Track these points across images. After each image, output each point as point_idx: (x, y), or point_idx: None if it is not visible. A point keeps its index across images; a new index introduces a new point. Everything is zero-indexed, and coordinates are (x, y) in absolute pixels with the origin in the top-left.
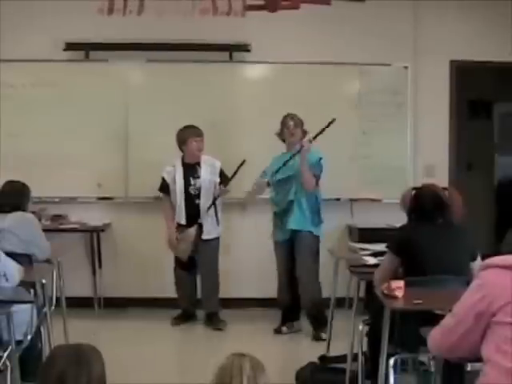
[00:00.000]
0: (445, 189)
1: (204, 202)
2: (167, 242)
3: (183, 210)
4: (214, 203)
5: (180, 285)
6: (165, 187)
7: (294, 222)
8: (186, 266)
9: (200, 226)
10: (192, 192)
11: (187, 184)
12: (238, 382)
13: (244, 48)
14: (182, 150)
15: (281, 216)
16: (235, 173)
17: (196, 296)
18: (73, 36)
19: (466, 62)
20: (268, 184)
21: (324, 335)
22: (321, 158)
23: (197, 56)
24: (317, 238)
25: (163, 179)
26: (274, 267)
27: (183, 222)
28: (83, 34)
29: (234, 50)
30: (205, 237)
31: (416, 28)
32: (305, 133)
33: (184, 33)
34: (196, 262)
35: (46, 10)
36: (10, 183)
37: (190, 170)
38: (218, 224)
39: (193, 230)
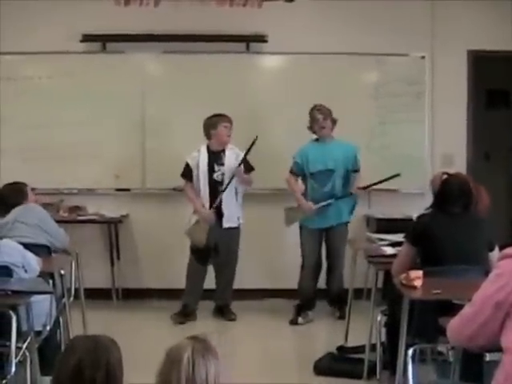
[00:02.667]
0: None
1: (228, 189)
2: (204, 218)
3: (207, 197)
4: (230, 182)
5: (192, 279)
6: (188, 173)
7: (335, 216)
8: (204, 259)
9: (219, 212)
10: (216, 179)
11: (211, 170)
12: (177, 371)
13: (261, 39)
14: (210, 136)
15: (322, 207)
16: (249, 150)
17: (202, 288)
18: (90, 27)
19: (484, 52)
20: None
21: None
22: (359, 151)
23: (213, 47)
24: (347, 225)
25: (187, 164)
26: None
27: (207, 207)
28: (100, 26)
29: (250, 41)
30: (225, 225)
31: (433, 18)
32: (335, 122)
33: (200, 24)
34: (211, 255)
35: (63, 2)
36: (5, 186)
37: (215, 156)
38: (239, 212)
39: (210, 213)
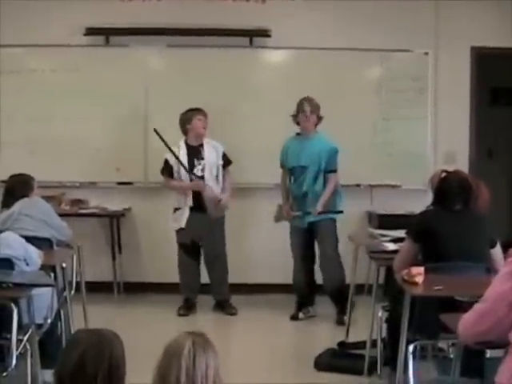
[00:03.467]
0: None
1: (209, 182)
2: (204, 190)
3: (190, 192)
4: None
5: (184, 270)
6: (168, 170)
7: (311, 216)
8: (194, 253)
9: (203, 203)
10: (197, 173)
11: (191, 165)
12: (177, 364)
13: (264, 33)
14: (186, 131)
15: (298, 203)
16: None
17: (199, 283)
18: (93, 21)
19: (487, 49)
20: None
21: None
22: (334, 153)
23: (217, 41)
24: (334, 221)
25: (166, 161)
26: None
27: (190, 203)
28: (103, 19)
29: (254, 36)
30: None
31: (437, 14)
32: (320, 119)
33: (204, 18)
34: (200, 248)
35: None
36: (12, 177)
37: (194, 151)
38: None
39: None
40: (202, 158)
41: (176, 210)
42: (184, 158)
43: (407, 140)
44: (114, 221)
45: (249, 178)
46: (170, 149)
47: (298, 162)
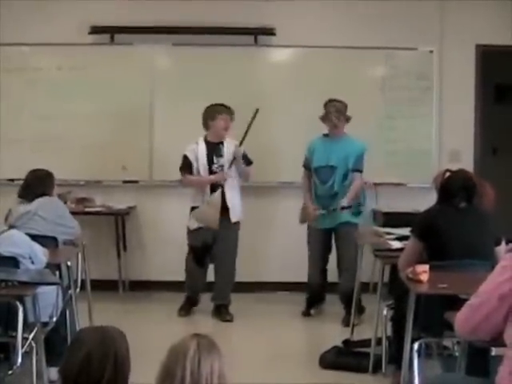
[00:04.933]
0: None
1: (228, 181)
2: (220, 178)
3: (208, 189)
4: (232, 162)
5: (191, 275)
6: (187, 166)
7: (343, 216)
8: (202, 259)
9: (224, 206)
10: (215, 170)
11: (210, 162)
12: (182, 365)
13: (269, 32)
14: (208, 127)
15: (324, 203)
16: (250, 124)
17: (204, 283)
18: (98, 19)
19: (492, 46)
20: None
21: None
22: (362, 153)
23: (222, 40)
24: (357, 226)
25: (186, 157)
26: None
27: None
28: (108, 18)
29: (258, 34)
30: (233, 219)
31: (442, 12)
32: (348, 120)
33: (209, 16)
34: (211, 253)
35: None
36: (33, 172)
37: (214, 148)
38: (241, 207)
39: (218, 194)
40: (221, 156)
41: (193, 208)
42: (203, 155)
43: (412, 138)
44: (120, 219)
45: (254, 177)
46: (245, 134)
47: (328, 162)
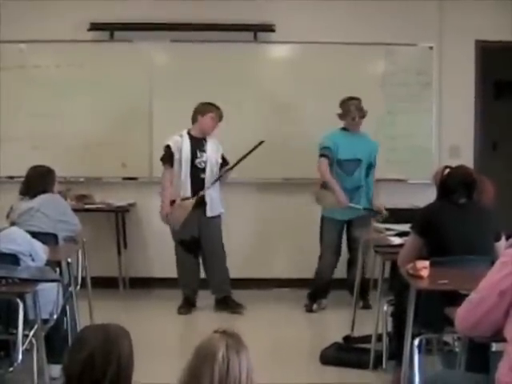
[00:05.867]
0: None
1: (209, 176)
2: (160, 214)
3: (188, 183)
4: (217, 180)
5: (183, 268)
6: (169, 157)
7: (356, 209)
8: (194, 250)
9: (202, 201)
10: (198, 165)
11: (194, 156)
12: (210, 367)
13: (268, 28)
14: (194, 120)
15: (348, 196)
16: (250, 152)
17: (199, 279)
18: (97, 16)
19: (492, 42)
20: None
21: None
22: (377, 150)
23: (221, 36)
24: (370, 218)
25: (168, 147)
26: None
27: (188, 194)
28: (108, 15)
29: (258, 30)
30: (209, 214)
31: (441, 8)
32: (363, 117)
33: (208, 13)
34: (199, 245)
35: None
36: (34, 168)
37: (198, 142)
38: (220, 201)
39: (192, 201)
40: (204, 151)
41: (172, 202)
42: (187, 148)
43: (412, 134)
44: (119, 216)
45: (255, 174)
46: (241, 160)
47: (355, 155)
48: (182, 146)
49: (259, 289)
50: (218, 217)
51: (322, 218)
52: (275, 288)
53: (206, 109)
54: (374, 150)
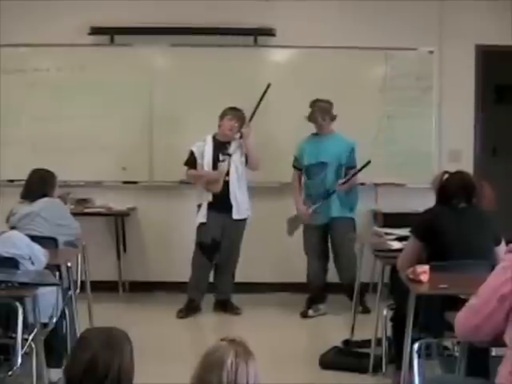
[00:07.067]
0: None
1: (233, 179)
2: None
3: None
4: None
5: (198, 273)
6: (192, 162)
7: (335, 210)
8: (212, 254)
9: (229, 203)
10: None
11: (216, 159)
12: (218, 376)
13: (269, 32)
14: (219, 126)
15: (315, 201)
16: (261, 99)
17: (208, 283)
18: (98, 20)
19: (492, 47)
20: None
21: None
22: (353, 149)
23: (221, 40)
24: (353, 220)
25: (192, 153)
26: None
27: (210, 199)
28: (108, 19)
29: (258, 35)
30: (235, 216)
31: (442, 12)
32: (333, 118)
33: (208, 17)
34: (218, 249)
35: None
36: (35, 172)
37: (221, 146)
38: (247, 204)
39: (225, 165)
40: (228, 154)
41: (199, 206)
42: (209, 152)
43: (412, 138)
44: (119, 220)
45: (253, 177)
46: (255, 109)
47: (318, 159)
48: (204, 151)
49: (258, 292)
50: (244, 220)
51: (303, 226)
52: (271, 292)
53: (223, 112)
54: (346, 150)
